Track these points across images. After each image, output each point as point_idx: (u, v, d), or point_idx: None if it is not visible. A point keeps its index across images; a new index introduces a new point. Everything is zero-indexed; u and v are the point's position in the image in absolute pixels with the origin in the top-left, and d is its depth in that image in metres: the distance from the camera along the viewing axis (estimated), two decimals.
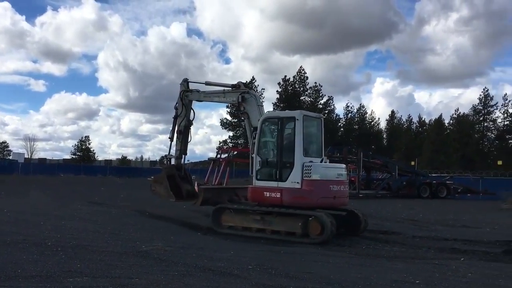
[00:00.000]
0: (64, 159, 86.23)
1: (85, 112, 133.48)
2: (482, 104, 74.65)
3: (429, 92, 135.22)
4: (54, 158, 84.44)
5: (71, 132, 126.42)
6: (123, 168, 73.56)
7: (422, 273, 7.90)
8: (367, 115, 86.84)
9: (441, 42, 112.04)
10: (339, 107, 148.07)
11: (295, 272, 7.65)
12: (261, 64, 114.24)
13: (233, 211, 12.15)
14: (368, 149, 61.91)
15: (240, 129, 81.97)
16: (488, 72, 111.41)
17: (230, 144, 77.12)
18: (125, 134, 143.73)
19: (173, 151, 14.95)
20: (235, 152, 49.41)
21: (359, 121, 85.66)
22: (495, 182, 32.82)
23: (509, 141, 73.81)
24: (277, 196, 11.07)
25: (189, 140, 14.96)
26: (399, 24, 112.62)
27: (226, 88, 13.72)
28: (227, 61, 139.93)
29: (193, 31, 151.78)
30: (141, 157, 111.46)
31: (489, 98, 74.58)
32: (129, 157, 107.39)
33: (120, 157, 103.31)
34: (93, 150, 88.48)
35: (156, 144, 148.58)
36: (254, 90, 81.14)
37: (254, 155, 11.64)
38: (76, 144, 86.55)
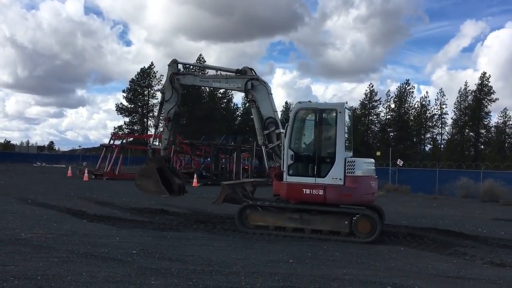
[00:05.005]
0: None
1: None
2: (368, 99, 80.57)
3: (325, 85, 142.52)
4: None
5: None
6: (6, 153, 68.28)
7: (296, 253, 8.65)
8: None
9: (341, 37, 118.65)
10: (238, 97, 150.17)
11: (178, 255, 7.96)
12: (165, 48, 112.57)
13: (262, 208, 11.15)
14: None
15: (137, 115, 79.70)
16: (381, 69, 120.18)
17: (126, 131, 74.81)
18: (10, 117, 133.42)
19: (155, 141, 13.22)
20: (131, 139, 48.15)
21: None
22: None
23: (390, 134, 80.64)
24: (320, 193, 10.30)
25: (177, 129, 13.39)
26: (304, 17, 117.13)
27: (229, 73, 12.62)
28: (128, 43, 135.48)
29: (91, 9, 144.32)
30: (27, 142, 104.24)
31: (374, 93, 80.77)
32: (13, 142, 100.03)
33: (3, 141, 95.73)
34: None
35: (45, 128, 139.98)
36: (154, 75, 78.86)
37: (285, 149, 10.77)
38: None
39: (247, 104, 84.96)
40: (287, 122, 11.09)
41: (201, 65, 13.32)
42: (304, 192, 10.43)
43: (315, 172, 10.47)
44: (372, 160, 11.60)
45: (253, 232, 10.73)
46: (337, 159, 10.34)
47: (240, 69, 12.32)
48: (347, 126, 10.83)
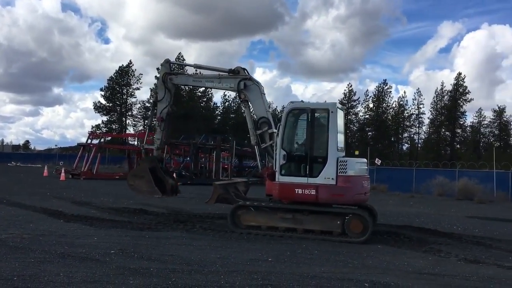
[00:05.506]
0: None
1: None
2: (347, 98, 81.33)
3: (305, 84, 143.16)
4: None
5: None
6: None
7: (275, 252, 8.71)
8: None
9: (320, 37, 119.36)
10: (217, 96, 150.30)
11: (157, 255, 7.94)
12: (144, 46, 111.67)
13: (254, 208, 11.17)
14: (243, 138, 63.83)
15: (115, 114, 78.87)
16: (360, 69, 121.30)
17: (104, 129, 73.95)
18: None
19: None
20: (109, 138, 47.54)
21: (236, 110, 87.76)
22: None
23: (369, 133, 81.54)
24: (312, 193, 10.32)
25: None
26: (284, 16, 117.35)
27: (222, 73, 12.47)
28: (106, 41, 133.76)
29: (68, 6, 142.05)
30: (2, 141, 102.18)
31: (352, 93, 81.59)
32: None
33: None
34: None
35: (21, 127, 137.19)
36: (133, 74, 77.88)
37: (277, 149, 10.76)
38: None
39: (227, 103, 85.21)
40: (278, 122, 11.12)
41: (193, 65, 13.19)
42: (296, 192, 10.43)
43: (307, 172, 10.48)
44: (365, 160, 11.65)
45: (247, 232, 10.67)
46: (329, 159, 10.36)
47: (233, 69, 12.26)
48: (340, 126, 10.87)
